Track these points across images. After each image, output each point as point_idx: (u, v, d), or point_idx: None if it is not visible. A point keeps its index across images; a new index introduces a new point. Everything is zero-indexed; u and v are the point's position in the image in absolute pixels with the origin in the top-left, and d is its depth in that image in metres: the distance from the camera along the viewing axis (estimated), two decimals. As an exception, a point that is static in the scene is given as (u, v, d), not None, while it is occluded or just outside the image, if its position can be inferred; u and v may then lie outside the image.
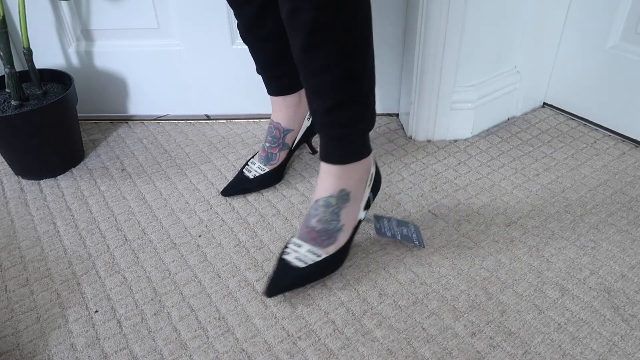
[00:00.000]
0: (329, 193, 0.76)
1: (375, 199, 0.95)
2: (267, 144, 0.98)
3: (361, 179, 0.77)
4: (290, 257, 0.76)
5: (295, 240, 0.78)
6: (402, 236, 0.82)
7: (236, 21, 1.11)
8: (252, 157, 1.01)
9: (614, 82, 1.05)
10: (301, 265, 0.75)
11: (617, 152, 1.04)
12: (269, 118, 1.23)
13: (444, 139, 1.11)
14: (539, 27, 1.06)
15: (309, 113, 0.98)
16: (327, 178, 0.76)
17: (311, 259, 0.76)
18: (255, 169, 0.98)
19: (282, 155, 0.98)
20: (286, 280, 0.75)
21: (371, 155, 0.79)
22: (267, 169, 0.98)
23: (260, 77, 1.17)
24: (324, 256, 0.76)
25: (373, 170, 0.80)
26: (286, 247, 0.78)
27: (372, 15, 0.68)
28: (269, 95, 0.96)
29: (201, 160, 1.10)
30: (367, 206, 0.80)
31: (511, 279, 0.78)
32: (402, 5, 1.06)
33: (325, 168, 0.76)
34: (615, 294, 0.75)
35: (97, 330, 0.74)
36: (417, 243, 0.82)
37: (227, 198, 0.98)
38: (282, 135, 0.97)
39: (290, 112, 0.96)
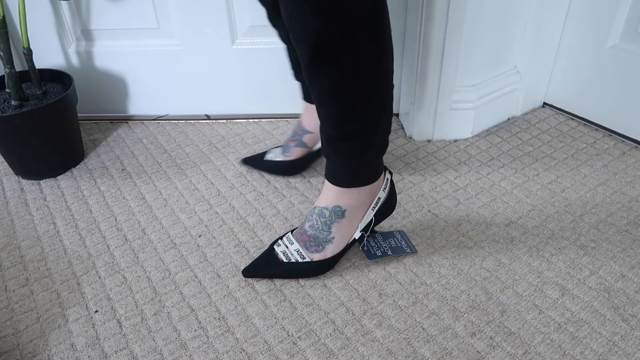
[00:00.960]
0: (324, 204, 0.77)
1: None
2: (289, 136, 1.00)
3: (362, 202, 0.77)
4: (278, 250, 0.80)
5: (290, 236, 0.81)
6: (393, 249, 0.82)
7: (236, 21, 1.11)
8: (279, 145, 1.04)
9: (614, 82, 1.05)
10: (284, 260, 0.79)
11: (617, 152, 1.04)
12: (269, 118, 1.23)
13: (444, 139, 1.11)
14: (539, 27, 1.06)
15: None
16: (326, 191, 0.77)
17: (296, 258, 0.79)
18: (274, 153, 1.02)
19: (297, 151, 0.99)
20: (266, 268, 0.79)
21: (380, 181, 0.77)
22: (280, 158, 1.00)
23: (261, 77, 1.18)
24: (307, 260, 0.78)
25: (383, 195, 0.79)
26: (280, 238, 0.82)
27: (388, 59, 0.65)
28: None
29: (201, 160, 1.10)
30: (368, 228, 0.79)
31: (511, 279, 0.78)
32: (402, 6, 1.06)
33: (326, 182, 0.77)
34: (615, 294, 0.75)
35: (97, 330, 0.74)
36: (408, 251, 0.82)
37: (227, 198, 0.98)
38: (301, 133, 0.98)
39: (314, 117, 0.95)
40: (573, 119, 1.16)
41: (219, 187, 1.01)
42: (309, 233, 0.78)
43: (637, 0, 0.97)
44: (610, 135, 1.09)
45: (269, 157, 1.02)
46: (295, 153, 0.99)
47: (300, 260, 0.78)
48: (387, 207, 0.81)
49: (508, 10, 1.00)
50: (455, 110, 1.07)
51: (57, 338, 0.73)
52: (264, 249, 0.85)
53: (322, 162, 1.05)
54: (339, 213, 0.76)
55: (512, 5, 1.00)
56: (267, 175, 1.03)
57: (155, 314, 0.75)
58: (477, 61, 1.04)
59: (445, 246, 0.84)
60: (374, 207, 0.78)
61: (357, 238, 0.79)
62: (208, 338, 0.72)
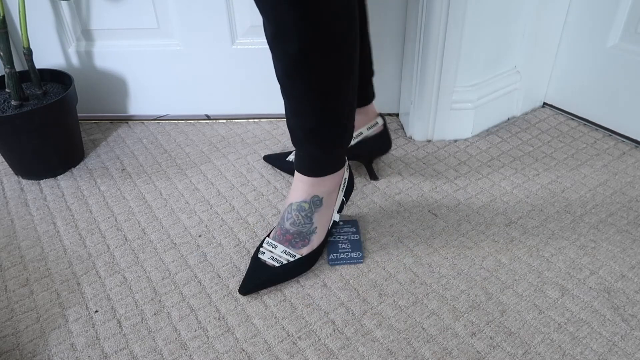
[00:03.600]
0: (301, 198, 0.78)
1: (375, 201, 0.95)
2: None
3: (335, 186, 0.80)
4: (265, 257, 0.79)
5: (270, 240, 0.80)
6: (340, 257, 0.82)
7: (236, 21, 1.11)
8: None
9: (614, 82, 1.05)
10: (276, 264, 0.78)
11: (617, 152, 1.04)
12: (269, 118, 1.23)
13: (444, 139, 1.11)
14: (539, 27, 1.06)
15: (355, 134, 0.95)
16: (300, 185, 0.78)
17: (286, 259, 0.78)
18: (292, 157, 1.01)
19: None
20: (261, 279, 0.78)
21: (345, 163, 0.81)
22: None
23: (261, 77, 1.17)
24: (298, 257, 0.78)
25: (346, 175, 0.83)
26: (261, 246, 0.81)
27: (357, 43, 0.68)
28: None
29: (201, 160, 1.10)
30: (341, 209, 0.83)
31: (511, 279, 0.78)
32: (402, 5, 1.06)
33: (299, 177, 0.77)
34: (615, 294, 0.75)
35: (97, 330, 0.74)
36: (352, 262, 0.81)
37: (227, 198, 0.98)
38: None
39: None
40: (573, 119, 1.16)
41: (219, 187, 1.01)
42: (291, 231, 0.78)
43: (637, 0, 0.97)
44: (610, 135, 1.09)
45: (291, 158, 1.01)
46: None
47: (291, 259, 0.78)
48: (350, 184, 0.85)
49: (508, 10, 1.00)
50: (455, 110, 1.07)
51: (57, 338, 0.73)
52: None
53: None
54: (318, 202, 0.78)
55: (512, 5, 1.00)
56: (267, 175, 1.03)
57: (155, 314, 0.75)
58: (477, 61, 1.04)
59: (445, 246, 0.84)
60: (342, 188, 0.82)
61: (336, 220, 0.82)
62: (208, 338, 0.72)
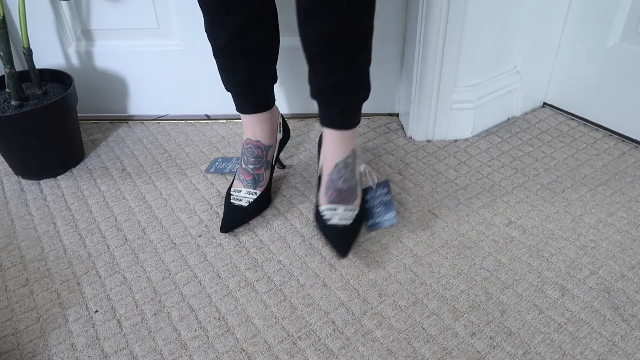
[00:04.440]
0: (345, 155, 0.84)
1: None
2: (251, 166, 0.91)
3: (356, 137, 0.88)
4: (335, 220, 0.83)
5: (326, 206, 0.84)
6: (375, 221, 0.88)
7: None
8: (232, 186, 0.93)
9: (614, 82, 1.05)
10: (348, 223, 0.82)
11: (617, 152, 1.04)
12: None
13: (444, 139, 1.11)
14: (539, 27, 1.06)
15: (279, 125, 0.96)
16: (340, 143, 0.83)
17: (350, 216, 0.83)
18: (246, 196, 0.90)
19: (268, 174, 0.93)
20: (345, 239, 0.82)
21: None
22: (258, 192, 0.91)
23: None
24: (356, 211, 0.84)
25: None
26: (322, 215, 0.84)
27: None
28: (240, 114, 0.90)
29: (201, 160, 1.10)
30: None
31: (511, 279, 0.78)
32: (402, 5, 1.06)
33: (337, 135, 0.83)
34: (615, 294, 0.75)
35: (97, 330, 0.74)
36: (387, 224, 0.87)
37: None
38: (265, 153, 0.91)
39: (267, 127, 0.91)
40: (573, 119, 1.16)
41: (218, 187, 1.01)
42: (345, 188, 0.83)
43: (637, 0, 0.97)
44: (610, 135, 1.09)
45: (243, 203, 0.90)
46: (267, 177, 0.93)
47: (353, 215, 0.83)
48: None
49: (508, 10, 1.00)
50: (455, 110, 1.07)
51: (57, 338, 0.73)
52: (264, 249, 0.85)
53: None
54: (354, 156, 0.85)
55: (512, 5, 1.00)
56: (267, 175, 1.03)
57: (155, 314, 0.75)
58: (477, 61, 1.04)
59: (445, 246, 0.84)
60: None
61: (362, 170, 0.89)
62: (208, 338, 0.72)
